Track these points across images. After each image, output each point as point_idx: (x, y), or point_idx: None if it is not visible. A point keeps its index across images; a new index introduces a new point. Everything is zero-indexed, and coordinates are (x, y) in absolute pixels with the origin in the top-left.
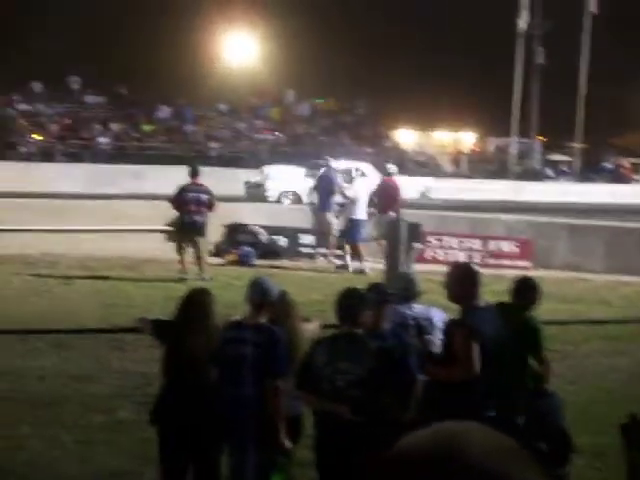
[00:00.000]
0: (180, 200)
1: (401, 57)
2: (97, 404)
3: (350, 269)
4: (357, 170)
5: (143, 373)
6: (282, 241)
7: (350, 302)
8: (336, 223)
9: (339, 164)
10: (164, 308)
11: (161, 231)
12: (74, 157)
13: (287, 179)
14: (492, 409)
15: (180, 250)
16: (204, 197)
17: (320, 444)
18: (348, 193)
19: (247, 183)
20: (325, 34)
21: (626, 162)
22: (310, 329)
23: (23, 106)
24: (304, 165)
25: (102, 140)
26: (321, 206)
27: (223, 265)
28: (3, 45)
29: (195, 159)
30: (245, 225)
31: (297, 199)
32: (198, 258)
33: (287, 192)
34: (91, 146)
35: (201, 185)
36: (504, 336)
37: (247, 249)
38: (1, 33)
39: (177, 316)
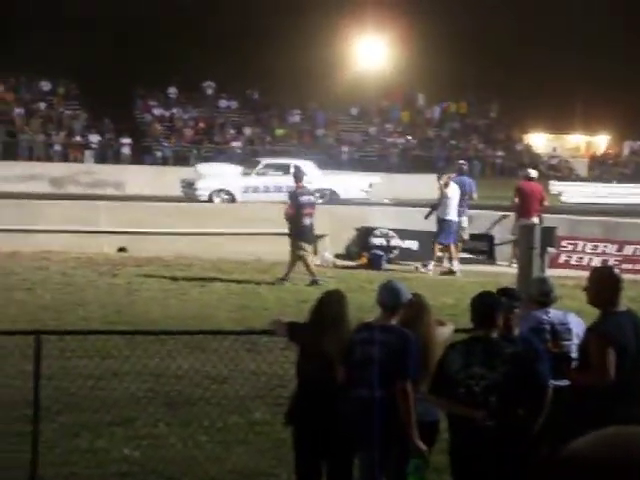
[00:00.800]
0: (297, 205)
1: (533, 59)
2: (233, 405)
3: (456, 271)
4: (295, 167)
5: (278, 375)
6: (414, 245)
7: (486, 306)
8: (466, 226)
9: (277, 161)
10: (297, 310)
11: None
12: (208, 161)
13: (220, 178)
14: (629, 415)
15: (303, 254)
16: (312, 199)
17: (456, 449)
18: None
19: (182, 182)
20: (455, 36)
21: None
22: (445, 333)
23: (159, 111)
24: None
25: (235, 144)
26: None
27: (354, 268)
28: (141, 52)
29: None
30: (376, 228)
31: (231, 198)
32: (308, 260)
33: (219, 191)
34: (225, 150)
35: (308, 188)
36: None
37: (378, 252)
38: (139, 41)
39: (311, 318)
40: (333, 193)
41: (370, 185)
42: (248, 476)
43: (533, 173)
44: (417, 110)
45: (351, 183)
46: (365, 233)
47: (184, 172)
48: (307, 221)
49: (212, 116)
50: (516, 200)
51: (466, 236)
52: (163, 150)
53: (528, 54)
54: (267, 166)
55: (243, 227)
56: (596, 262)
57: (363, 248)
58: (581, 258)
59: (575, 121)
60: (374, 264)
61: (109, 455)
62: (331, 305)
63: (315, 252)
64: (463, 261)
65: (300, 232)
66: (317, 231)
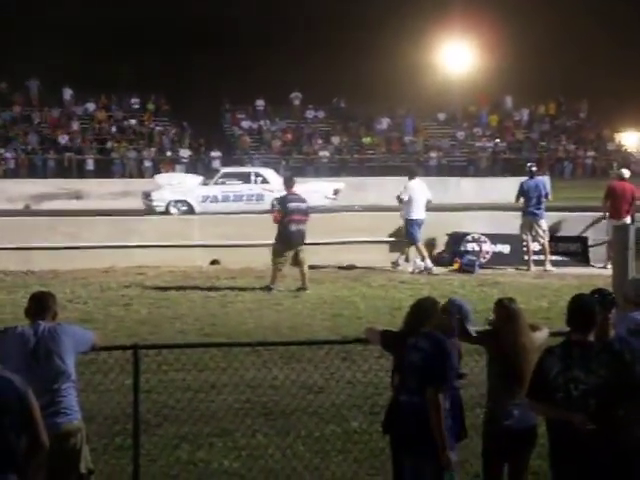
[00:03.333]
0: (285, 211)
1: (622, 56)
2: (329, 414)
3: (431, 270)
4: (257, 175)
5: (373, 383)
6: (505, 248)
7: (583, 309)
8: (546, 229)
9: (236, 169)
10: (391, 318)
11: (384, 241)
12: (297, 172)
13: (177, 188)
14: None
15: (281, 261)
16: (303, 206)
17: (555, 454)
18: (402, 195)
19: (143, 194)
20: (541, 37)
21: None
22: (540, 338)
23: (247, 123)
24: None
25: (323, 153)
26: (533, 212)
27: (447, 274)
28: (227, 65)
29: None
30: (468, 233)
31: (189, 209)
32: (301, 267)
33: (176, 202)
34: (313, 160)
35: (299, 195)
36: None
37: (470, 257)
38: (223, 55)
39: (405, 326)
40: None
41: (335, 192)
42: None
43: (625, 173)
44: (505, 113)
45: (315, 190)
46: (457, 238)
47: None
48: (293, 227)
49: (299, 127)
50: (607, 201)
51: (547, 238)
52: (253, 162)
53: (615, 51)
54: (226, 175)
55: (336, 236)
56: None
57: (455, 254)
58: None
59: None
60: (467, 269)
61: (209, 467)
62: (425, 312)
63: (407, 259)
64: (556, 263)
65: (284, 238)
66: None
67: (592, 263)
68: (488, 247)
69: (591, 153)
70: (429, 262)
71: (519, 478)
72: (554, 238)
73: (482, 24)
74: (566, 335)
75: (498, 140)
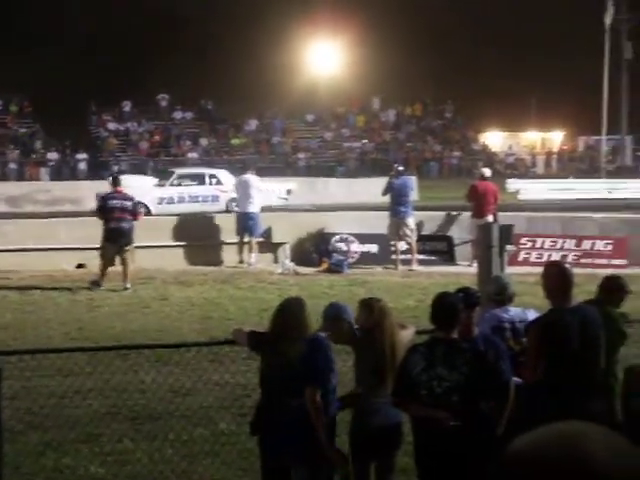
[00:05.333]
0: (104, 209)
1: (487, 59)
2: (197, 417)
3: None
4: (211, 176)
5: (241, 384)
6: (374, 248)
7: (446, 307)
8: (414, 228)
9: (191, 170)
10: (259, 319)
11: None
12: (164, 174)
13: (135, 191)
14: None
15: (106, 258)
16: (127, 204)
17: (420, 451)
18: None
19: (97, 196)
20: (409, 40)
21: None
22: (406, 336)
23: (114, 125)
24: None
25: (191, 155)
26: (401, 211)
27: (315, 274)
28: (93, 67)
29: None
30: (335, 233)
31: (146, 211)
32: (124, 266)
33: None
34: (182, 162)
35: (124, 193)
36: (593, 336)
37: (338, 257)
38: (91, 57)
39: (271, 326)
40: None
41: (288, 192)
42: None
43: (487, 172)
44: (373, 114)
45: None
46: (325, 239)
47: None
48: (112, 225)
49: (167, 128)
50: (469, 200)
51: (415, 237)
52: (120, 164)
53: (480, 54)
54: (181, 177)
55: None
56: (555, 258)
57: (323, 254)
58: (540, 255)
59: (530, 118)
60: (335, 269)
61: (75, 473)
62: (291, 312)
63: (275, 260)
64: (423, 263)
65: (104, 235)
66: (277, 238)
67: (458, 261)
68: (356, 247)
69: (457, 153)
70: (254, 258)
71: (387, 475)
72: (421, 237)
73: (350, 26)
74: (430, 333)
75: (365, 141)
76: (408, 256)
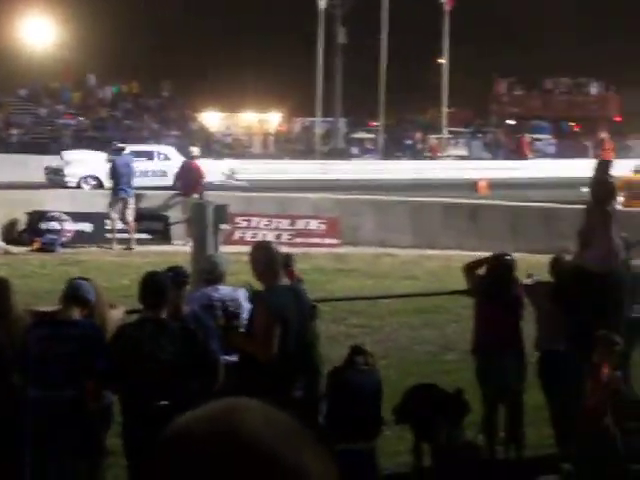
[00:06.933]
0: None
1: (205, 39)
2: None
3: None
4: (160, 154)
5: None
6: (88, 227)
7: (153, 286)
8: (134, 206)
9: (141, 147)
10: None
11: None
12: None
13: (87, 164)
14: (296, 388)
15: None
16: None
17: (128, 430)
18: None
19: (47, 169)
20: (126, 17)
21: (432, 138)
22: (115, 314)
23: None
24: (105, 149)
25: None
26: (123, 190)
27: (27, 254)
28: None
29: None
30: (47, 212)
31: (98, 184)
32: None
33: (87, 177)
34: None
35: None
36: (305, 315)
37: (51, 236)
38: None
39: None
40: None
41: (231, 170)
42: None
43: (195, 151)
44: (89, 91)
45: (214, 168)
46: (36, 217)
47: None
48: None
49: None
50: (178, 178)
51: (133, 216)
52: None
53: (199, 34)
54: (132, 152)
55: None
56: (270, 237)
57: (35, 233)
58: (255, 234)
59: (247, 100)
60: (47, 249)
61: None
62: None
63: None
64: (140, 242)
65: None
66: None
67: (174, 241)
68: (70, 226)
69: (175, 132)
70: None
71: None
72: (138, 217)
73: (63, 0)
74: (140, 312)
75: (82, 118)
76: (125, 235)
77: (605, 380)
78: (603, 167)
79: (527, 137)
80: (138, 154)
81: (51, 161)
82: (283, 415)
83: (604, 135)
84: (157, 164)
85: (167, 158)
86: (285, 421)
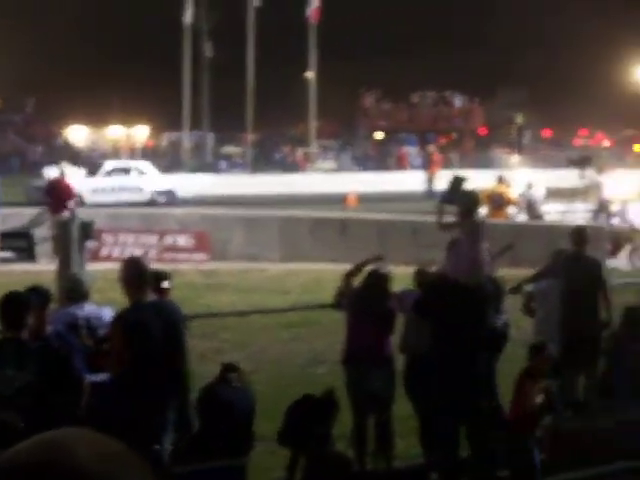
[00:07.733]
0: None
1: (70, 58)
2: None
3: None
4: (137, 169)
5: None
6: None
7: (13, 307)
8: None
9: (118, 163)
10: None
11: None
12: None
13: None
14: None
15: None
16: None
17: None
18: None
19: (31, 187)
20: None
21: (299, 152)
22: None
23: None
24: None
25: None
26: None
27: None
28: None
29: None
30: None
31: (79, 200)
32: None
33: None
34: None
35: None
36: (171, 332)
37: None
38: None
39: None
40: (170, 193)
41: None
42: None
43: (64, 169)
44: None
45: (191, 183)
46: None
47: None
48: None
49: None
50: (47, 196)
51: None
52: None
53: (65, 53)
54: (110, 168)
55: None
56: (137, 253)
57: None
58: (123, 250)
59: (114, 114)
60: None
61: None
62: None
63: None
64: (3, 261)
65: None
66: None
67: (40, 259)
68: None
69: (40, 148)
70: None
71: None
72: (0, 235)
73: None
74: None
75: None
76: None
77: (534, 393)
78: (458, 182)
79: (405, 149)
80: (119, 170)
81: None
82: (112, 441)
83: (432, 148)
84: (134, 179)
85: (142, 173)
86: (115, 446)
